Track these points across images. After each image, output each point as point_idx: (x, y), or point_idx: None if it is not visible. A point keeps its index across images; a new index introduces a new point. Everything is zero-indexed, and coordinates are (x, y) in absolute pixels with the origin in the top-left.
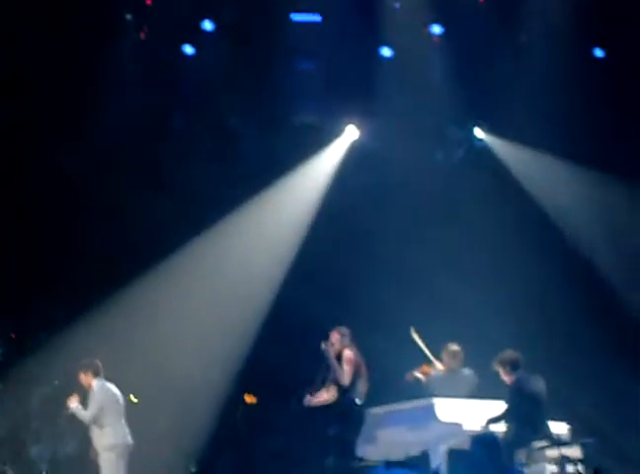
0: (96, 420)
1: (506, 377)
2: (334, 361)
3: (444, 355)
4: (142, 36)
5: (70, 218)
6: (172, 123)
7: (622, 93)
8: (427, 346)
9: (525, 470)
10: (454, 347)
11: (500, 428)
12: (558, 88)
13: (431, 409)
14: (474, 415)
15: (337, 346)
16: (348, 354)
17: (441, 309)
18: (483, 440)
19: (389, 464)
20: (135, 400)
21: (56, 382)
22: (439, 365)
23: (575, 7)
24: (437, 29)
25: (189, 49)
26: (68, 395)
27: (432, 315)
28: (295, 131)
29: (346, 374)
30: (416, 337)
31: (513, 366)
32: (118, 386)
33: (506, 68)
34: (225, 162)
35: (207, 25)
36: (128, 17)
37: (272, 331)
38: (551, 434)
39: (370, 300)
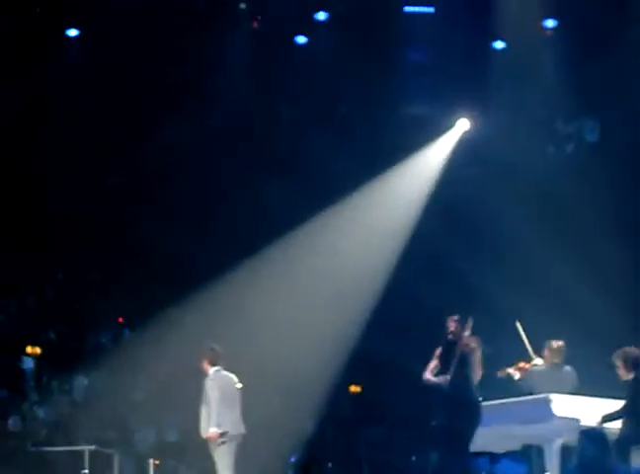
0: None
1: (624, 373)
2: (465, 350)
3: (548, 351)
4: (256, 25)
5: (181, 203)
6: (282, 111)
7: None
8: (529, 341)
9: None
10: (559, 343)
11: (616, 425)
12: None
13: (547, 404)
14: (589, 411)
15: (459, 334)
16: (474, 344)
17: (552, 304)
18: (593, 437)
19: (493, 457)
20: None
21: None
22: (539, 361)
23: None
24: (550, 22)
25: (301, 39)
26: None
27: (541, 309)
28: (406, 121)
29: (477, 366)
30: (521, 330)
31: (634, 364)
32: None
33: (618, 64)
34: (335, 150)
35: (321, 15)
36: (242, 6)
37: (380, 322)
38: None
39: (480, 292)
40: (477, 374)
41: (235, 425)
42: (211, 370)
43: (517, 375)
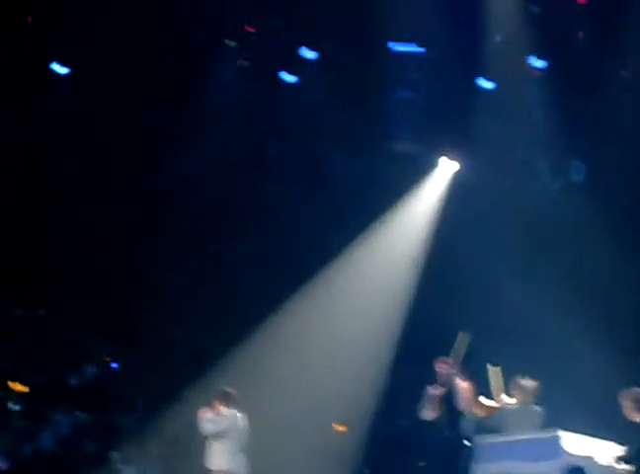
0: (214, 438)
1: (632, 414)
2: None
3: (517, 389)
4: (243, 63)
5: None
6: (267, 151)
7: None
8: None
9: None
10: (533, 382)
11: (624, 467)
12: None
13: (557, 441)
14: (596, 451)
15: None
16: (463, 382)
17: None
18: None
19: None
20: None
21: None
22: (512, 400)
23: None
24: (538, 62)
25: (289, 78)
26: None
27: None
28: (391, 159)
29: (462, 402)
30: (493, 373)
31: None
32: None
33: (606, 103)
34: (320, 189)
35: (308, 53)
36: (231, 44)
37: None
38: None
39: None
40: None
41: (233, 462)
42: (224, 410)
43: (480, 412)
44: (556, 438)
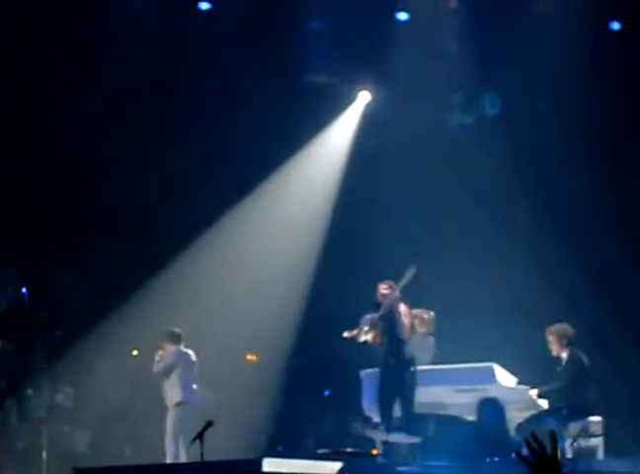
0: (164, 374)
1: (557, 349)
2: (393, 311)
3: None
4: None
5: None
6: (182, 78)
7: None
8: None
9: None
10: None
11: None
12: (573, 60)
13: (491, 372)
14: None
15: (388, 297)
16: (404, 307)
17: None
18: (492, 404)
19: None
20: (135, 353)
21: None
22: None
23: None
24: None
25: (204, 5)
26: None
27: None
28: (307, 90)
29: (405, 328)
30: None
31: (569, 341)
32: None
33: (521, 38)
34: (235, 118)
35: None
36: None
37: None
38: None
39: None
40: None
41: (188, 394)
42: (173, 348)
43: (369, 338)
44: (490, 369)
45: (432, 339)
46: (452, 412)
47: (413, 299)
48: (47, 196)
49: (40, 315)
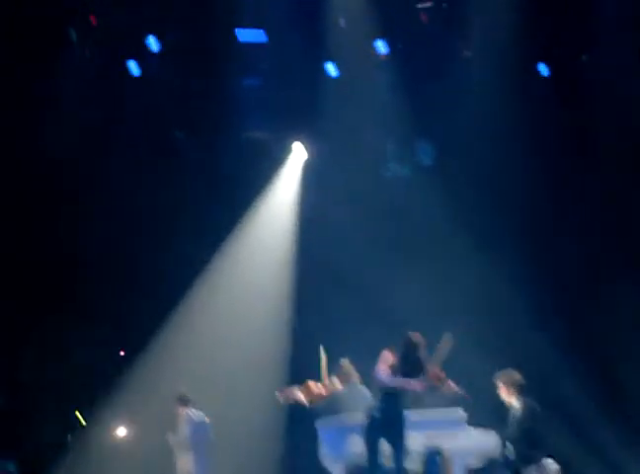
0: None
1: (507, 395)
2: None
3: (340, 372)
4: (87, 52)
5: None
6: (115, 141)
7: (567, 109)
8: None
9: None
10: (346, 363)
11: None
12: (503, 104)
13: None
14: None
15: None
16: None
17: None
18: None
19: None
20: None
21: None
22: (337, 384)
23: (519, 22)
24: (382, 47)
25: (134, 68)
26: None
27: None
28: (242, 147)
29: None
30: (322, 355)
31: (520, 389)
32: None
33: (451, 84)
34: (172, 180)
35: (153, 43)
36: (73, 34)
37: None
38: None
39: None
40: None
41: None
42: (184, 411)
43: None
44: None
45: (360, 388)
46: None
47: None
48: None
49: None
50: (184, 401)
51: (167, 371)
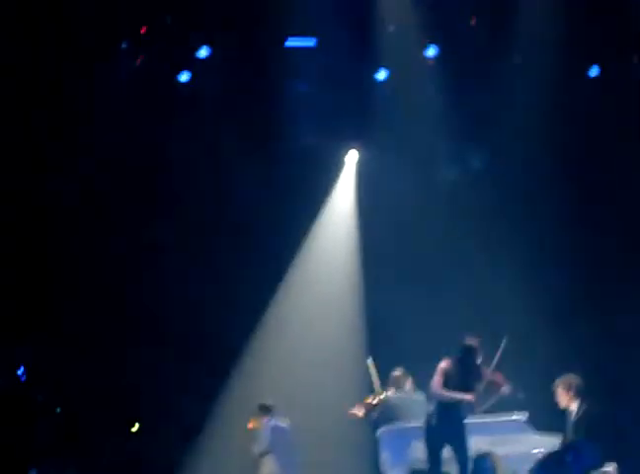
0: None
1: (565, 400)
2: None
3: (391, 381)
4: (138, 63)
5: None
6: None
7: (619, 111)
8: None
9: None
10: (396, 373)
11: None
12: (553, 108)
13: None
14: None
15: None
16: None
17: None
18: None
19: None
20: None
21: None
22: (389, 392)
23: (568, 26)
24: (431, 51)
25: (184, 77)
26: None
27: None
28: (295, 155)
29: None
30: (372, 367)
31: (578, 391)
32: None
33: (500, 89)
34: (228, 191)
35: (203, 52)
36: (124, 45)
37: None
38: None
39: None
40: None
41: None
42: (264, 421)
43: (360, 413)
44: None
45: (415, 396)
46: None
47: None
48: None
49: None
50: (266, 410)
51: (251, 384)
